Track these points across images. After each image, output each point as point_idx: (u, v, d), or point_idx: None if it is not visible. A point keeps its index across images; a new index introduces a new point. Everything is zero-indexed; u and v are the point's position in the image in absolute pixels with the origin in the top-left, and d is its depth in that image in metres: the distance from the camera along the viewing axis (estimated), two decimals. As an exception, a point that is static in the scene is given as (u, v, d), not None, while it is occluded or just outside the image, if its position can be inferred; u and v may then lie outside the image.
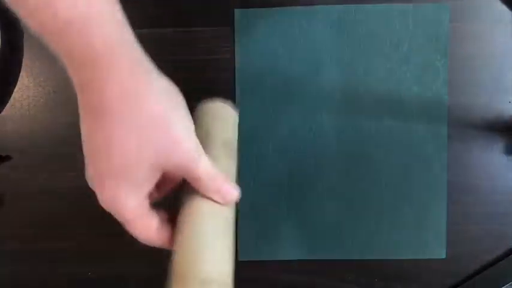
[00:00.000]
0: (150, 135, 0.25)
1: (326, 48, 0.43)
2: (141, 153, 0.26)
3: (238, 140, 0.44)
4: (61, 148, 0.44)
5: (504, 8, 0.43)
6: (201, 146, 0.28)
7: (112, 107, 0.24)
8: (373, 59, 0.43)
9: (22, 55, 0.43)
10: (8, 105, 0.44)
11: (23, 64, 0.44)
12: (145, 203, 0.29)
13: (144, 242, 0.30)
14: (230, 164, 0.34)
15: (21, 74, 0.44)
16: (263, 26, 0.43)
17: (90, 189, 0.44)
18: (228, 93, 0.39)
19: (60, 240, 0.45)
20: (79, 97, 0.25)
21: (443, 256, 0.44)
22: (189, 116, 0.28)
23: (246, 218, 0.44)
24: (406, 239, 0.44)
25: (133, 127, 0.25)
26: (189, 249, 0.31)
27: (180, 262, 0.31)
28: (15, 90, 0.44)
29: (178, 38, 0.43)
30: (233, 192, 0.31)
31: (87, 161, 0.27)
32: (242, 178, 0.44)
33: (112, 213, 0.29)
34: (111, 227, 0.45)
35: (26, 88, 0.44)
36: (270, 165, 0.43)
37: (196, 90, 0.38)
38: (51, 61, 0.44)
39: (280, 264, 0.44)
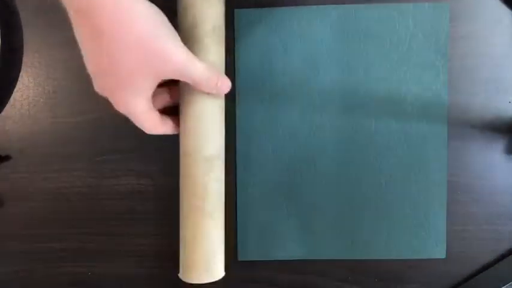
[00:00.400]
0: (144, 52, 0.31)
1: (325, 48, 0.43)
2: (140, 67, 0.31)
3: (237, 139, 0.44)
4: (61, 148, 0.44)
5: (504, 8, 0.43)
6: (191, 53, 0.34)
7: (107, 29, 0.29)
8: (372, 59, 0.43)
9: (22, 55, 0.43)
10: (8, 105, 0.44)
11: (23, 64, 0.44)
12: (150, 103, 0.35)
13: (151, 132, 0.37)
14: (219, 51, 0.39)
15: (21, 74, 0.44)
16: (263, 26, 0.43)
17: (90, 189, 0.44)
18: (227, 93, 0.39)
19: (60, 240, 0.45)
20: (76, 23, 0.30)
21: (443, 256, 0.44)
22: (174, 32, 0.33)
23: (245, 218, 0.44)
24: (406, 239, 0.44)
25: (128, 45, 0.30)
26: (194, 133, 0.38)
27: (187, 144, 0.39)
28: (15, 90, 0.44)
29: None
30: (227, 84, 0.38)
31: (94, 77, 0.33)
32: (242, 178, 0.44)
33: (125, 114, 0.35)
34: (111, 227, 0.45)
35: (26, 88, 0.44)
36: (270, 165, 0.43)
37: (196, 90, 0.38)
38: (51, 61, 0.44)
39: (280, 264, 0.44)
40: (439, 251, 0.44)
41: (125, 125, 0.40)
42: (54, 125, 0.44)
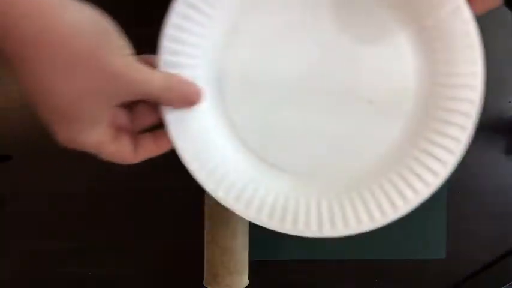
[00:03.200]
0: (81, 74, 0.24)
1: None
2: (77, 93, 0.25)
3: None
4: (61, 148, 0.44)
5: (504, 8, 0.43)
6: (145, 67, 0.27)
7: (30, 51, 0.23)
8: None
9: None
10: (8, 105, 0.44)
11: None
12: (107, 134, 0.28)
13: (127, 163, 0.30)
14: None
15: (21, 74, 0.44)
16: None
17: (90, 189, 0.44)
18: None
19: (60, 240, 0.45)
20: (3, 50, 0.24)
21: (443, 256, 0.44)
22: (122, 42, 0.26)
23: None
24: (406, 239, 0.44)
25: (60, 68, 0.24)
26: None
27: None
28: (15, 90, 0.44)
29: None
30: (196, 92, 0.30)
31: (37, 111, 0.26)
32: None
33: (85, 150, 0.29)
34: (111, 227, 0.45)
35: (26, 88, 0.44)
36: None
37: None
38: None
39: (280, 264, 0.44)
40: (439, 251, 0.44)
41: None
42: (54, 125, 0.44)
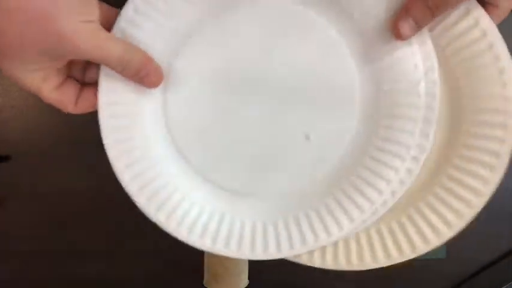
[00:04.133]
0: (27, 26, 0.25)
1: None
2: (19, 39, 0.25)
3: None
4: (61, 148, 0.44)
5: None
6: (103, 31, 0.27)
7: None
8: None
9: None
10: (8, 105, 0.44)
11: (23, 64, 0.44)
12: (49, 81, 0.28)
13: (69, 112, 0.31)
14: None
15: (21, 74, 0.44)
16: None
17: (90, 189, 0.44)
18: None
19: (60, 241, 0.45)
20: None
21: (443, 256, 0.44)
22: (87, 8, 0.26)
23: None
24: (406, 239, 0.44)
25: (12, 13, 0.25)
26: None
27: None
28: (15, 90, 0.44)
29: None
30: (158, 74, 0.29)
31: None
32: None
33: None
34: (111, 227, 0.45)
35: (26, 88, 0.44)
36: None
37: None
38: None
39: (280, 264, 0.44)
40: (439, 251, 0.44)
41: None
42: (54, 125, 0.44)
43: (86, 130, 0.44)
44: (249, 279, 0.41)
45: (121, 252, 0.45)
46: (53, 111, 0.44)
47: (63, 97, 0.30)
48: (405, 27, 0.27)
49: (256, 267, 0.44)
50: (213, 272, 0.40)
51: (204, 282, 0.41)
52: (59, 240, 0.45)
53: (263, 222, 0.31)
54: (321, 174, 0.31)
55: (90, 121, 0.44)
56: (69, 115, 0.44)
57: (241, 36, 0.30)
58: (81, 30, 0.26)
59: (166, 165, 0.31)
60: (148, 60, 0.29)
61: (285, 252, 0.30)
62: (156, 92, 0.30)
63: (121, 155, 0.31)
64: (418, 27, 0.27)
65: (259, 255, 0.30)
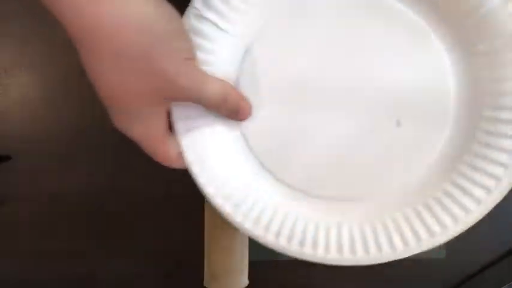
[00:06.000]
0: (129, 72, 0.24)
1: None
2: (123, 88, 0.25)
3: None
4: (61, 148, 0.44)
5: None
6: (203, 73, 0.27)
7: (86, 41, 0.23)
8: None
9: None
10: (8, 105, 0.44)
11: (23, 64, 0.44)
12: (155, 131, 0.28)
13: (166, 163, 0.30)
14: None
15: (21, 74, 0.44)
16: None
17: (90, 189, 0.44)
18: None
19: (60, 240, 0.45)
20: (79, 48, 0.25)
21: (443, 256, 0.44)
22: (186, 45, 0.25)
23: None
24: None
25: (107, 61, 0.23)
26: None
27: None
28: (15, 90, 0.44)
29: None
30: (249, 108, 0.30)
31: (107, 108, 0.27)
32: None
33: (139, 140, 0.28)
34: (111, 228, 0.45)
35: (26, 88, 0.44)
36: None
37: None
38: (51, 61, 0.44)
39: (280, 264, 0.44)
40: (439, 251, 0.44)
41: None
42: (54, 125, 0.44)
43: (86, 130, 0.44)
44: (249, 279, 0.41)
45: (121, 252, 0.45)
46: (53, 111, 0.44)
47: (168, 148, 0.29)
48: None
49: (256, 267, 0.44)
50: (213, 272, 0.40)
51: (204, 282, 0.41)
52: (59, 240, 0.45)
53: (361, 225, 0.30)
54: (419, 172, 0.30)
55: (91, 121, 0.44)
56: (69, 115, 0.44)
57: (314, 41, 0.29)
58: (181, 69, 0.25)
59: (255, 180, 0.31)
60: (241, 95, 0.29)
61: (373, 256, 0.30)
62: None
63: (217, 192, 0.30)
64: None
65: (347, 258, 0.30)
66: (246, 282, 0.41)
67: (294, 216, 0.31)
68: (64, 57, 0.43)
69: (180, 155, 0.30)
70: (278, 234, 0.31)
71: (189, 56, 0.26)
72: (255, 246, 0.43)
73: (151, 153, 0.29)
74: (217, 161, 0.30)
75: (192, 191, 0.43)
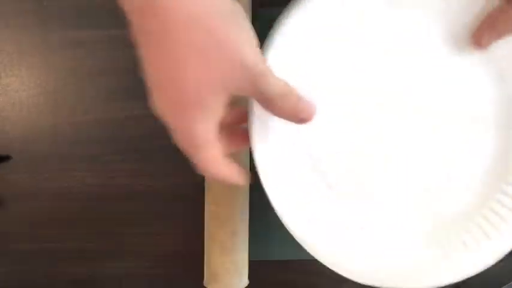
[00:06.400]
0: (217, 58, 0.24)
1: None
2: (211, 77, 0.24)
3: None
4: (61, 148, 0.44)
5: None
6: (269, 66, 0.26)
7: (178, 31, 0.23)
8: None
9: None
10: (8, 105, 0.44)
11: (23, 64, 0.44)
12: (214, 130, 0.26)
13: (210, 173, 0.27)
14: None
15: (21, 74, 0.44)
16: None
17: (90, 189, 0.44)
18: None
19: (60, 240, 0.45)
20: (136, 24, 0.23)
21: (443, 256, 0.44)
22: (252, 33, 0.25)
23: (252, 218, 0.43)
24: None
25: (201, 51, 0.23)
26: None
27: None
28: (15, 90, 0.44)
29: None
30: (312, 110, 0.29)
31: (153, 93, 0.25)
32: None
33: (182, 146, 0.26)
34: (111, 227, 0.45)
35: (26, 88, 0.44)
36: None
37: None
38: (51, 61, 0.44)
39: (280, 264, 0.44)
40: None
41: (125, 126, 0.40)
42: (54, 125, 0.44)
43: (86, 130, 0.44)
44: (249, 279, 0.41)
45: (121, 251, 0.45)
46: (53, 111, 0.44)
47: (217, 152, 0.27)
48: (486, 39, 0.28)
49: (256, 267, 0.44)
50: (213, 272, 0.40)
51: (204, 282, 0.41)
52: (59, 240, 0.45)
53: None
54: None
55: (90, 121, 0.44)
56: (68, 115, 0.44)
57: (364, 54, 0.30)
58: (258, 55, 0.25)
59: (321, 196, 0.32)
60: (302, 96, 0.28)
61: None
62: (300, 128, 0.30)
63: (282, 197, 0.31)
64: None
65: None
66: (246, 282, 0.41)
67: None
68: (64, 57, 0.43)
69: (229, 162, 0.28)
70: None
71: (257, 44, 0.25)
72: (255, 246, 0.44)
73: (201, 162, 0.27)
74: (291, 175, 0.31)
75: (192, 191, 0.43)
